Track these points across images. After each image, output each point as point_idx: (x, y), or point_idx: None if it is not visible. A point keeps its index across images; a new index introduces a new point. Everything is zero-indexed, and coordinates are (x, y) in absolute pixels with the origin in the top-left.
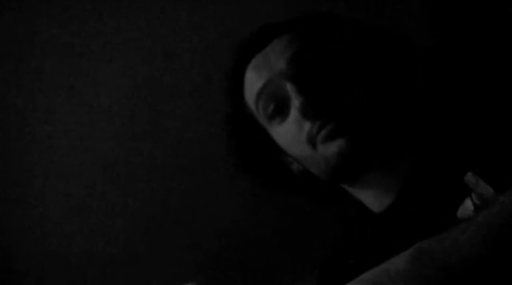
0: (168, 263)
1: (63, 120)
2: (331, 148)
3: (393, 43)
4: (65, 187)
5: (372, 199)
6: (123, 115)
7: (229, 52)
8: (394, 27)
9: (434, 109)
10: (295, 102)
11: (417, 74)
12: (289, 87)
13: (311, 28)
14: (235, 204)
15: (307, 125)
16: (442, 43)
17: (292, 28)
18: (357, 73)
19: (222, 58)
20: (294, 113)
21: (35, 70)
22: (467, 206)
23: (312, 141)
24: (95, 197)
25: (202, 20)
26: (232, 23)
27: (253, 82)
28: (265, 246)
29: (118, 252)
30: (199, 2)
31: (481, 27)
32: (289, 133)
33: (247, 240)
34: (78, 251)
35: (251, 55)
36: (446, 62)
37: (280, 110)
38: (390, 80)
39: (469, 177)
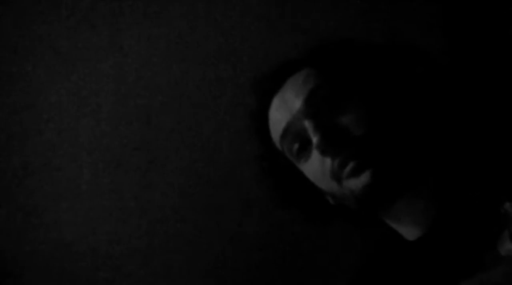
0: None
1: (65, 119)
2: (356, 183)
3: (412, 66)
4: (66, 187)
5: (405, 227)
6: (127, 115)
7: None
8: (408, 41)
9: (464, 135)
10: (313, 140)
11: (439, 96)
12: (307, 124)
13: (325, 61)
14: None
15: (328, 162)
16: (459, 61)
17: (306, 63)
18: (375, 103)
19: (225, 57)
20: (315, 150)
21: (34, 70)
22: (506, 238)
23: (336, 177)
24: (98, 198)
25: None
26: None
27: (276, 124)
28: (291, 264)
29: (122, 255)
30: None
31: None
32: (314, 170)
33: (271, 256)
34: (81, 252)
35: (271, 96)
36: (470, 80)
37: (304, 148)
38: (411, 107)
39: (508, 207)
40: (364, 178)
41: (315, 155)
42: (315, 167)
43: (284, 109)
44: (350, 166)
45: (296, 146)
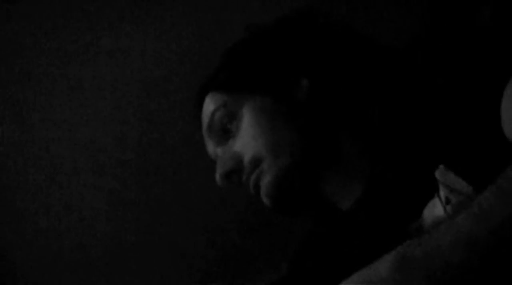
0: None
1: (62, 119)
2: (265, 202)
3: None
4: (66, 186)
5: (340, 198)
6: (121, 115)
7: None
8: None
9: (397, 98)
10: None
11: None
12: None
13: (224, 83)
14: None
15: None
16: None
17: (214, 86)
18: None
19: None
20: None
21: (33, 71)
22: (435, 203)
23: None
24: (95, 194)
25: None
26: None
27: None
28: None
29: (119, 251)
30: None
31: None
32: None
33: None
34: (77, 250)
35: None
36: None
37: None
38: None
39: (441, 170)
40: (265, 200)
41: None
42: None
43: (204, 132)
44: (252, 192)
45: None
